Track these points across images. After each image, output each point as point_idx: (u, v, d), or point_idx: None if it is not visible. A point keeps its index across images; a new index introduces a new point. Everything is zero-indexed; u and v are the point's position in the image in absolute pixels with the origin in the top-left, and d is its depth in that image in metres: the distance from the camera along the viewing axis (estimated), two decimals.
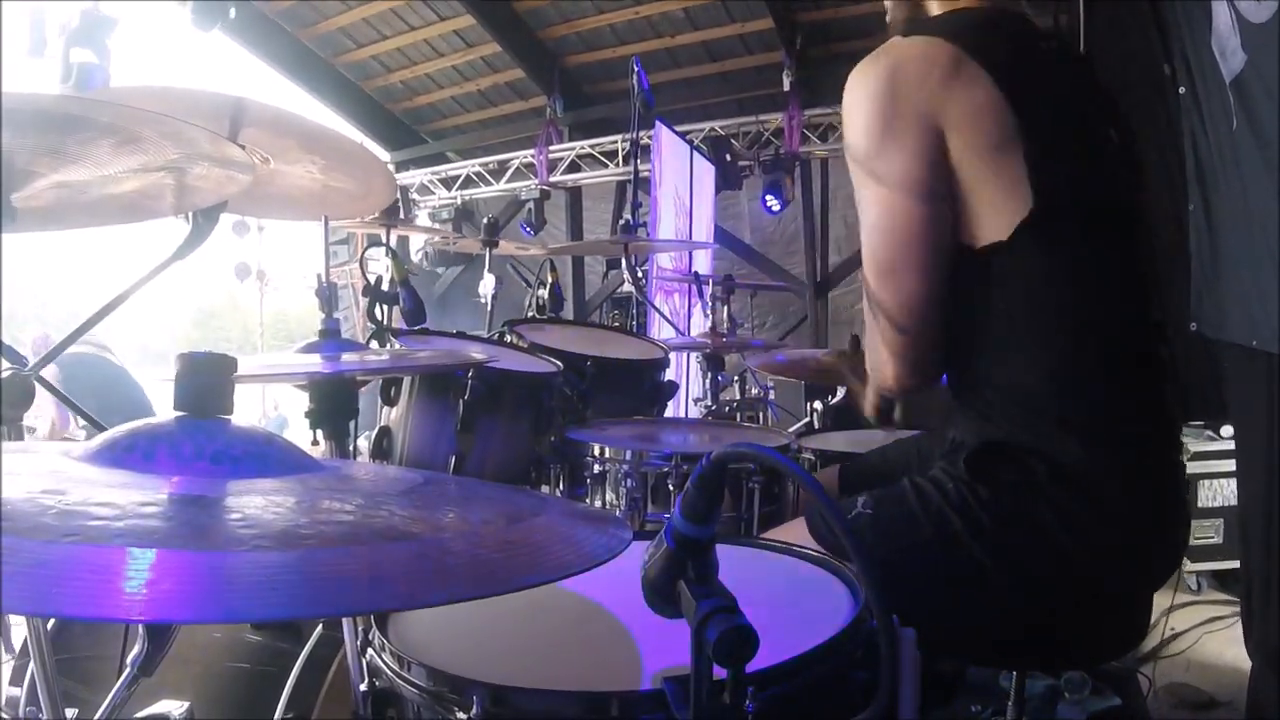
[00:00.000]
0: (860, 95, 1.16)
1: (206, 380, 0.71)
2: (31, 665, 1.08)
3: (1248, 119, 2.40)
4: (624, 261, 3.22)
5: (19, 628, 1.25)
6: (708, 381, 3.08)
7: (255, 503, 0.63)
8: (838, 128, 6.33)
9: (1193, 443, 3.37)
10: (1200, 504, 3.36)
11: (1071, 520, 1.13)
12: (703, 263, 5.98)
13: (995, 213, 1.13)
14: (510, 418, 1.79)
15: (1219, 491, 3.36)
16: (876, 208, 1.17)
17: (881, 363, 1.23)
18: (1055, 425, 1.15)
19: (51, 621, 1.17)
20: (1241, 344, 2.27)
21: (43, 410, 3.89)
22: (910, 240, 1.16)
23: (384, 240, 2.97)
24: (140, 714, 0.93)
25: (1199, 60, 2.67)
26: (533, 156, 7.72)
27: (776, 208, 6.69)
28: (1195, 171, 2.70)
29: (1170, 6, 2.86)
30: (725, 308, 3.08)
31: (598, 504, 1.93)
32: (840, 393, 2.75)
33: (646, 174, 5.79)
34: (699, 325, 5.07)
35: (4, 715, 1.36)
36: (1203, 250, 2.64)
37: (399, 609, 0.87)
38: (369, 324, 2.01)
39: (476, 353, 1.66)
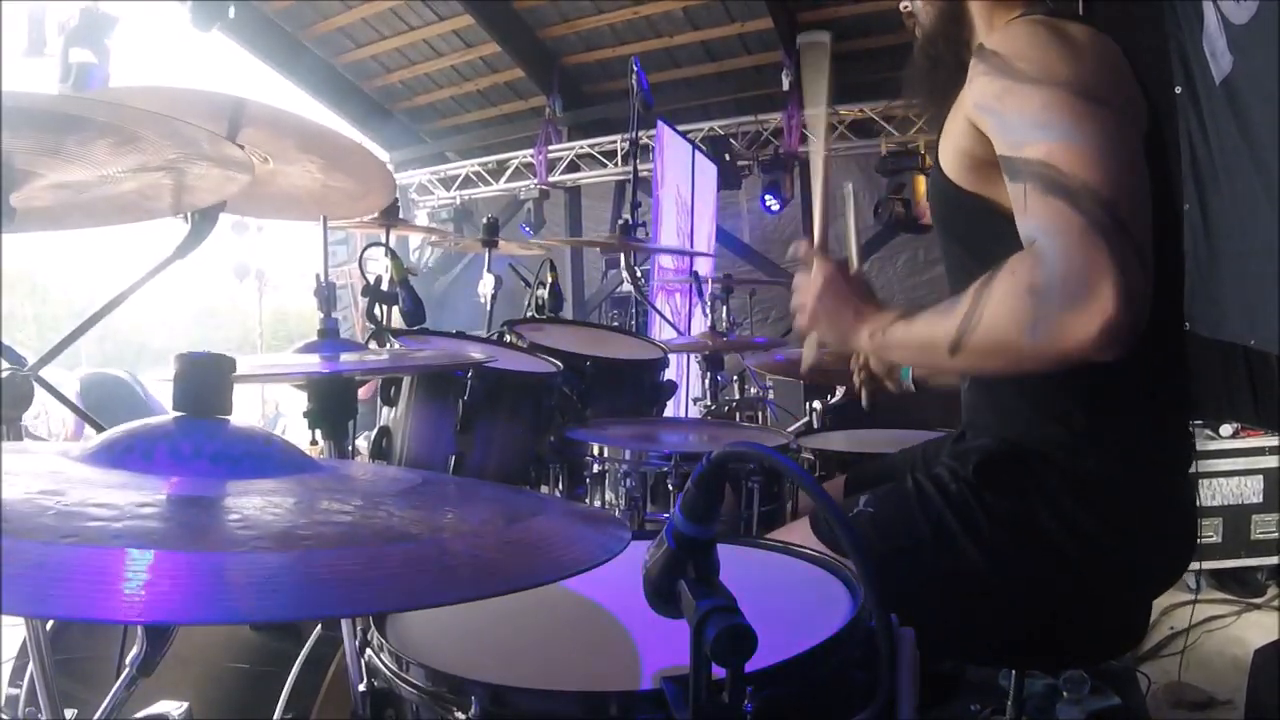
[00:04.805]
0: (1076, 45, 1.09)
1: (205, 380, 0.71)
2: (30, 665, 1.08)
3: (1236, 119, 2.40)
4: (623, 261, 3.22)
5: (18, 628, 1.25)
6: (707, 381, 3.08)
7: (254, 503, 0.63)
8: (837, 127, 6.32)
9: None
10: (1200, 503, 3.35)
11: (1078, 531, 1.13)
12: (703, 263, 5.98)
13: None
14: (510, 418, 1.79)
15: (1218, 490, 3.36)
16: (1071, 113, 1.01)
17: (1084, 280, 0.91)
18: (1076, 436, 1.14)
19: (50, 622, 1.17)
20: (1239, 343, 2.26)
21: (65, 421, 3.88)
22: (1124, 139, 1.01)
23: (383, 240, 2.96)
24: (139, 714, 0.93)
25: (1193, 60, 2.67)
26: (532, 156, 7.72)
27: (776, 207, 6.70)
28: (1191, 171, 2.70)
29: (1168, 6, 2.87)
30: (724, 307, 3.07)
31: (597, 504, 1.93)
32: (839, 392, 2.74)
33: (646, 174, 5.78)
34: (699, 325, 5.07)
35: (3, 716, 1.36)
36: (1198, 249, 2.64)
37: (398, 610, 0.87)
38: (368, 324, 2.01)
39: (476, 353, 1.66)
